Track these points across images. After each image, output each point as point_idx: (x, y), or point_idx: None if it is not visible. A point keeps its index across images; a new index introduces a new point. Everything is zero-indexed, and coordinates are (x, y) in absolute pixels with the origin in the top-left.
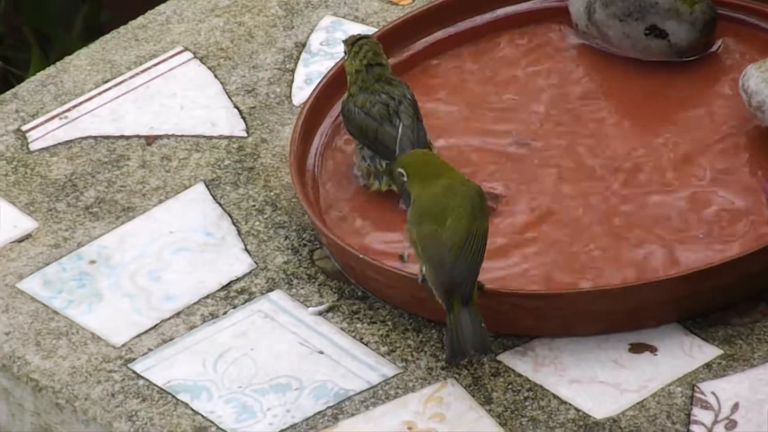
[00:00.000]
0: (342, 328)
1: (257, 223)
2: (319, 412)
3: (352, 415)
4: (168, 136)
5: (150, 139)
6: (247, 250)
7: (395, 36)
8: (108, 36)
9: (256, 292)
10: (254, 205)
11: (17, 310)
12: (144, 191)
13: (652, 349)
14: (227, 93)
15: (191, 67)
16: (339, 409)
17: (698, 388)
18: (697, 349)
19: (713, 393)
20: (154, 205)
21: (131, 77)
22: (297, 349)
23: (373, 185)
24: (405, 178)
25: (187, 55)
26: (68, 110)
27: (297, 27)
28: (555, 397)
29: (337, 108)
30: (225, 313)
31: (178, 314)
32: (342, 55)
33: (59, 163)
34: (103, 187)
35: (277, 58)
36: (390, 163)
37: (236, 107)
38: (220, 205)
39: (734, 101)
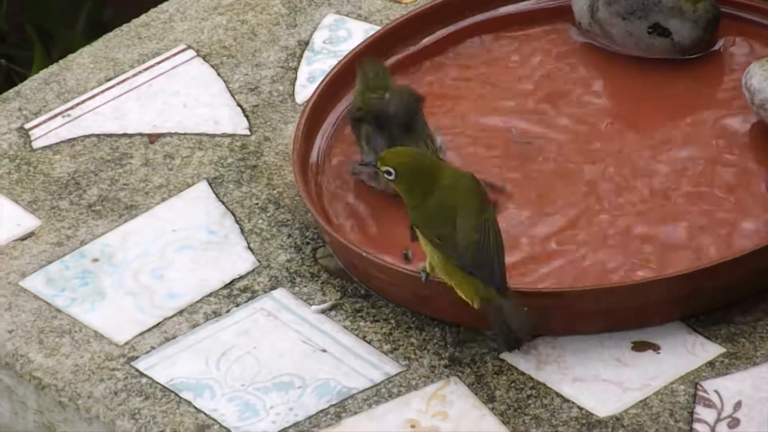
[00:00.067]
0: (345, 327)
1: (260, 221)
2: (322, 411)
3: (355, 413)
4: (171, 134)
5: (153, 137)
6: (250, 248)
7: (398, 34)
8: (111, 34)
9: (259, 291)
10: (257, 203)
11: (20, 308)
12: (147, 189)
13: (655, 348)
14: (230, 91)
15: (194, 65)
16: (342, 408)
17: (701, 386)
18: (699, 347)
19: (716, 391)
20: (157, 203)
21: (134, 75)
22: (300, 347)
23: (379, 184)
24: (392, 177)
25: (190, 53)
26: (71, 108)
27: (300, 25)
28: (558, 395)
29: (339, 106)
30: (228, 311)
31: (180, 312)
32: (344, 53)
33: (62, 161)
34: (106, 185)
35: (280, 56)
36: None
37: (239, 105)
38: (223, 203)
39: (737, 99)
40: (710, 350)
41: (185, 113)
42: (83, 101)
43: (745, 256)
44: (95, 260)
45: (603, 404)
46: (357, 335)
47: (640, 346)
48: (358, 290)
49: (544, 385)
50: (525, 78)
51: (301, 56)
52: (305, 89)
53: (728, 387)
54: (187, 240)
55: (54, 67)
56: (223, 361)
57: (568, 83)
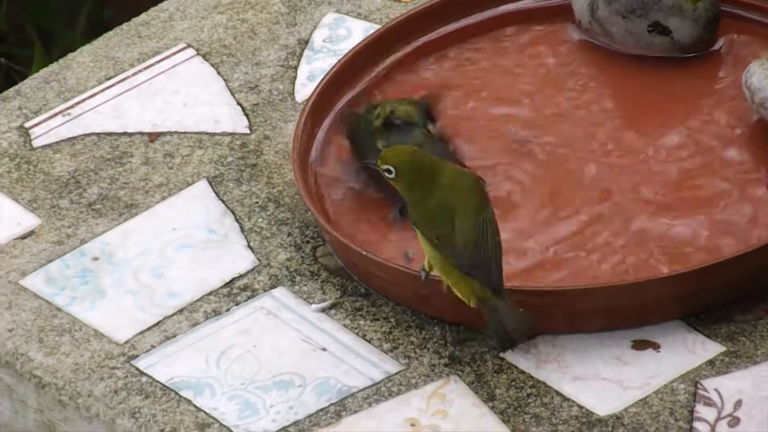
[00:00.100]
0: (345, 325)
1: (260, 219)
2: (321, 409)
3: (355, 411)
4: (171, 133)
5: (153, 136)
6: (250, 246)
7: (397, 33)
8: (111, 33)
9: (258, 289)
10: (257, 202)
11: (20, 306)
12: (147, 188)
13: (655, 346)
14: (230, 90)
15: (194, 64)
16: (342, 406)
17: (701, 384)
18: (700, 345)
19: (716, 390)
20: (157, 202)
21: (134, 74)
22: (300, 346)
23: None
24: (393, 175)
25: (190, 51)
26: (71, 107)
27: (300, 24)
28: (558, 393)
29: (339, 105)
30: (228, 310)
31: (180, 311)
32: (344, 52)
33: (62, 160)
34: (106, 184)
35: (280, 55)
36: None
37: (239, 104)
38: (223, 201)
39: (737, 98)
40: (710, 349)
41: (185, 112)
42: (83, 100)
43: (745, 254)
44: (95, 259)
45: (603, 403)
46: (357, 334)
47: (640, 345)
48: (358, 289)
49: (544, 383)
50: (525, 76)
51: (301, 55)
52: (305, 88)
53: (728, 386)
54: (187, 239)
55: (54, 66)
56: (223, 360)
57: (568, 82)
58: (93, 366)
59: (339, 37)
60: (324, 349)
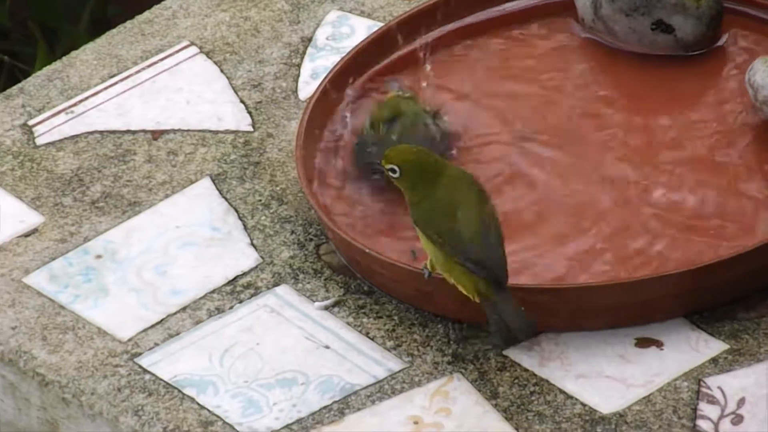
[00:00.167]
0: (348, 323)
1: (263, 217)
2: (325, 407)
3: (358, 409)
4: (174, 131)
5: (156, 134)
6: (253, 244)
7: (402, 30)
8: (114, 30)
9: (262, 287)
10: (260, 200)
11: (24, 304)
12: (150, 186)
13: (659, 344)
14: (233, 88)
15: (197, 62)
16: (345, 404)
17: (704, 382)
18: (703, 343)
19: (719, 388)
20: (161, 199)
21: (137, 72)
22: (303, 343)
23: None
24: (396, 175)
25: (194, 49)
26: (74, 105)
27: (303, 22)
28: (561, 391)
29: (342, 103)
30: (231, 307)
31: (184, 309)
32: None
33: (65, 158)
34: (110, 181)
35: (283, 53)
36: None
37: (242, 102)
38: (226, 199)
39: (741, 95)
40: (714, 347)
41: (188, 110)
42: (86, 98)
43: (748, 252)
44: (98, 257)
45: (606, 401)
46: (360, 332)
47: (643, 343)
48: (361, 287)
49: (547, 381)
50: (528, 74)
51: (304, 53)
52: (308, 86)
53: (732, 384)
54: (191, 236)
55: (57, 64)
56: (227, 358)
57: (572, 79)
58: (96, 364)
59: (342, 34)
60: (327, 347)
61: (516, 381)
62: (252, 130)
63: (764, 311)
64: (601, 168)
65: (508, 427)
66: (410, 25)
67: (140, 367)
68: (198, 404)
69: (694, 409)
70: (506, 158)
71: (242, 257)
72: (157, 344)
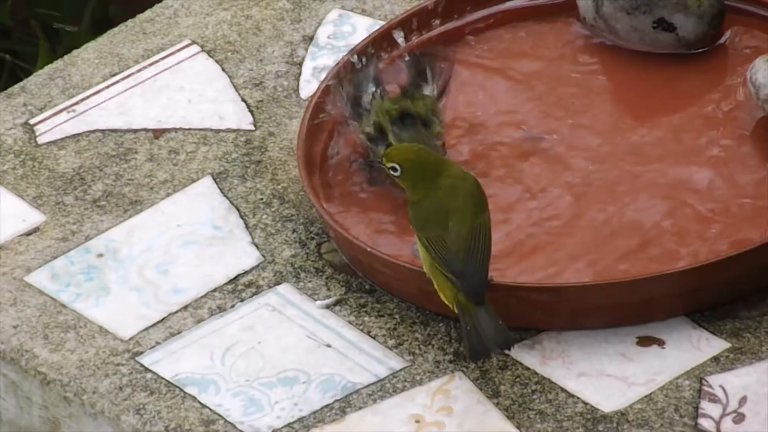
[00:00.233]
0: (349, 322)
1: (265, 216)
2: (326, 406)
3: (360, 408)
4: (175, 130)
5: (158, 133)
6: (254, 243)
7: (402, 29)
8: (116, 29)
9: (263, 286)
10: (262, 199)
11: (25, 303)
12: (152, 185)
13: (660, 343)
14: (235, 86)
15: (199, 61)
16: (346, 403)
17: (706, 381)
18: (705, 342)
19: (721, 386)
20: (162, 198)
21: (139, 71)
22: (304, 342)
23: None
24: (398, 173)
25: (195, 48)
26: (76, 104)
27: (304, 20)
28: (563, 390)
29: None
30: (232, 306)
31: (185, 308)
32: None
33: (67, 157)
34: (111, 180)
35: (284, 52)
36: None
37: (244, 100)
38: (227, 198)
39: (742, 94)
40: (715, 345)
41: (190, 108)
42: (88, 97)
43: (750, 250)
44: (100, 255)
45: (608, 399)
46: (362, 330)
47: (644, 341)
48: (362, 285)
49: (548, 380)
50: (530, 73)
51: (305, 51)
52: (310, 84)
53: (733, 382)
54: (192, 235)
55: (59, 63)
56: (228, 357)
57: (574, 78)
58: (98, 362)
59: (344, 33)
60: (329, 346)
61: (517, 380)
62: (253, 128)
63: (766, 310)
64: (603, 167)
65: (509, 425)
66: (411, 24)
67: (142, 365)
68: (199, 403)
69: (696, 408)
70: (513, 157)
71: (243, 256)
72: (158, 343)
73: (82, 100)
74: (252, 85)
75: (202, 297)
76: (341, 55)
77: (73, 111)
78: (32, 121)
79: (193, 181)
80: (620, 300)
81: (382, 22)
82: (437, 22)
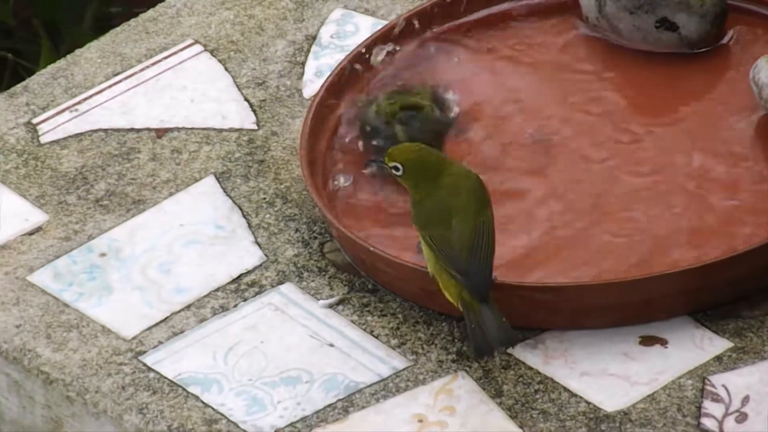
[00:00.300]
0: (352, 321)
1: (267, 215)
2: (329, 405)
3: (363, 407)
4: (178, 129)
5: (160, 132)
6: (257, 242)
7: (404, 29)
8: (118, 29)
9: (266, 285)
10: (264, 198)
11: (28, 302)
12: (154, 184)
13: (663, 342)
14: (237, 86)
15: (202, 60)
16: (349, 402)
17: (709, 380)
18: (707, 341)
19: (724, 386)
20: (165, 197)
21: (142, 70)
22: (307, 341)
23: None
24: (400, 173)
25: (198, 47)
26: (79, 103)
27: (307, 20)
28: (565, 389)
29: (346, 100)
30: (235, 305)
31: (188, 307)
32: (351, 48)
33: (70, 156)
34: (114, 179)
35: (287, 51)
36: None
37: (246, 100)
38: (230, 197)
39: (745, 93)
40: (718, 345)
41: (192, 108)
42: (91, 96)
43: (752, 250)
44: (103, 255)
45: (610, 399)
46: (364, 330)
47: (647, 341)
48: (365, 285)
49: (551, 379)
50: (533, 73)
51: (308, 51)
52: (312, 84)
53: (736, 381)
54: (195, 235)
55: (61, 62)
56: (231, 356)
57: (577, 78)
58: (100, 362)
59: (346, 32)
60: (331, 345)
61: (520, 379)
62: (256, 128)
63: None
64: (604, 165)
65: (512, 425)
66: (413, 24)
67: (144, 365)
68: (202, 402)
69: (699, 407)
70: (519, 158)
71: (246, 255)
72: (161, 342)
73: (85, 99)
74: (255, 85)
75: (205, 296)
76: (344, 54)
77: (76, 110)
78: (35, 121)
79: (196, 180)
80: (622, 300)
81: (385, 22)
82: (440, 21)
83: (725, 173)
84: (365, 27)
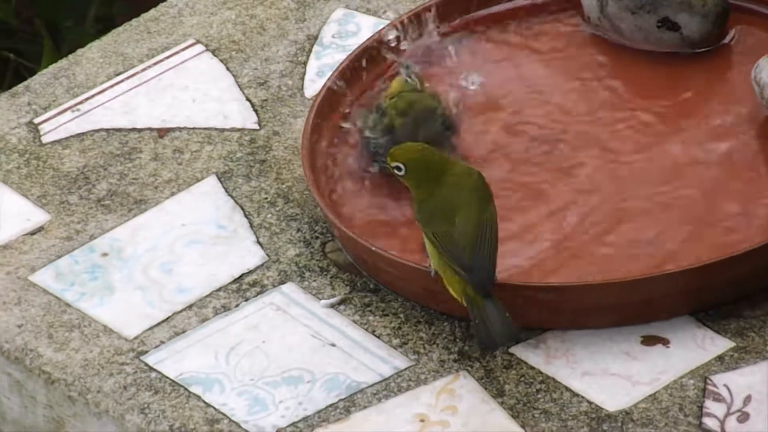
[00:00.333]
0: (354, 321)
1: (269, 215)
2: (331, 405)
3: (365, 407)
4: (180, 129)
5: (162, 132)
6: (259, 242)
7: (406, 28)
8: (120, 28)
9: (268, 285)
10: (266, 198)
11: (29, 302)
12: (156, 184)
13: (665, 342)
14: (239, 85)
15: (203, 60)
16: (351, 402)
17: (711, 380)
18: (709, 341)
19: (726, 385)
20: (167, 197)
21: (143, 70)
22: (309, 341)
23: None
24: (402, 173)
25: (200, 47)
26: (80, 103)
27: (309, 19)
28: (567, 389)
29: (348, 100)
30: (237, 305)
31: (190, 307)
32: (352, 48)
33: (71, 156)
34: (116, 179)
35: (289, 51)
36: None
37: (248, 100)
38: (232, 197)
39: (746, 93)
40: (720, 344)
41: (194, 108)
42: (92, 96)
43: (754, 250)
44: (104, 255)
45: (612, 398)
46: (366, 329)
47: (649, 341)
48: (367, 284)
49: (553, 379)
50: (535, 72)
51: (310, 51)
52: (314, 84)
53: (738, 381)
54: (197, 234)
55: (63, 62)
56: (233, 356)
57: (577, 77)
58: (102, 362)
59: (348, 32)
60: (333, 345)
61: (522, 379)
62: (258, 128)
63: None
64: (608, 166)
65: (514, 424)
66: (414, 23)
67: (146, 365)
68: (204, 402)
69: (701, 407)
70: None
71: (248, 255)
72: (163, 342)
73: (87, 99)
74: (256, 85)
75: (207, 296)
76: (346, 54)
77: (78, 110)
78: (37, 121)
79: (198, 180)
80: (624, 299)
81: (387, 22)
82: (441, 20)
83: (725, 172)
84: (367, 27)
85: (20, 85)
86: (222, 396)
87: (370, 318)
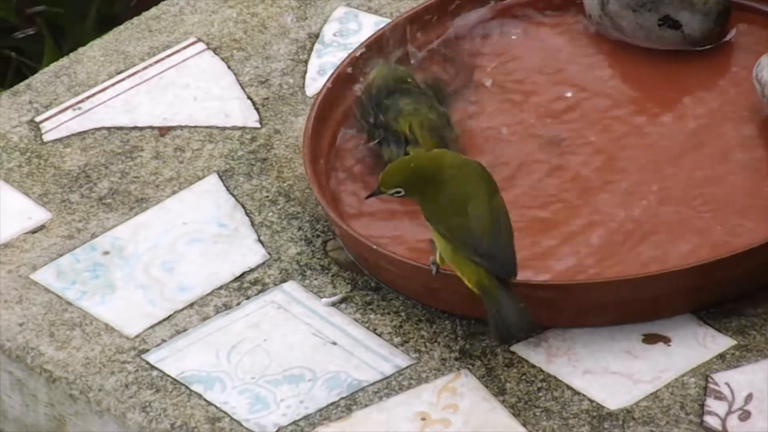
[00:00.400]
0: (355, 319)
1: (270, 214)
2: (332, 403)
3: (366, 405)
4: (181, 127)
5: (163, 130)
6: (260, 241)
7: (407, 27)
8: (121, 27)
9: (269, 283)
10: (267, 196)
11: (31, 301)
12: (157, 182)
13: (666, 340)
14: (240, 84)
15: (204, 58)
16: (352, 400)
17: (712, 378)
18: (710, 339)
19: (727, 383)
20: (168, 196)
21: (145, 68)
22: (310, 340)
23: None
24: (403, 194)
25: (201, 46)
26: (82, 101)
27: (310, 18)
28: (568, 387)
29: (349, 98)
30: (238, 304)
31: (191, 305)
32: (354, 46)
33: (73, 154)
34: (117, 178)
35: (290, 49)
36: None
37: (249, 98)
38: (233, 196)
39: (748, 91)
40: (721, 343)
41: (195, 106)
42: (94, 94)
43: (755, 248)
44: (106, 253)
45: (613, 397)
46: (367, 328)
47: (650, 339)
48: (368, 283)
49: (554, 377)
50: (536, 71)
51: (311, 49)
52: (315, 82)
53: (739, 379)
54: (198, 233)
55: (65, 60)
56: (234, 354)
57: (578, 75)
58: (104, 360)
59: (349, 30)
60: (334, 343)
61: (523, 377)
62: (259, 126)
63: None
64: (608, 164)
65: (515, 423)
66: (416, 21)
67: (147, 363)
68: (205, 400)
69: (702, 405)
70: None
71: (249, 253)
72: (164, 340)
73: (88, 97)
74: (258, 83)
75: (208, 295)
76: (347, 52)
77: (79, 109)
78: (38, 119)
79: (199, 178)
80: (625, 297)
81: (388, 20)
82: (442, 19)
83: (726, 171)
84: (368, 25)
85: (21, 84)
86: (223, 394)
87: (372, 316)
